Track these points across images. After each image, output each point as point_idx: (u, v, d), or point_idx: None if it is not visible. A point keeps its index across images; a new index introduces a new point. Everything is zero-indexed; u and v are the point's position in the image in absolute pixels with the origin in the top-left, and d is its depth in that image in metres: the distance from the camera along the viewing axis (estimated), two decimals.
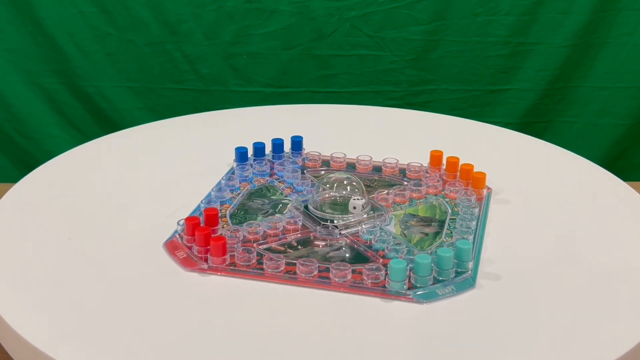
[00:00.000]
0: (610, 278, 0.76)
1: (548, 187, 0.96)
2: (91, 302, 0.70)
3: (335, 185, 0.87)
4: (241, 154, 0.98)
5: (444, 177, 0.94)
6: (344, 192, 0.86)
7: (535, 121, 1.72)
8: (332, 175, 0.88)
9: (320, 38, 1.65)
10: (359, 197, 0.84)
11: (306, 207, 0.86)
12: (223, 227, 0.83)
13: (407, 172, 0.96)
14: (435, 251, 0.74)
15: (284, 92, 1.70)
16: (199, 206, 0.87)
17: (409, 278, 0.72)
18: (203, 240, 0.77)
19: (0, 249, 0.79)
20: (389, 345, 0.65)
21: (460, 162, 0.94)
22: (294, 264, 0.75)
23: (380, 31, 1.64)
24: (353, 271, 0.74)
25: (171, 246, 0.80)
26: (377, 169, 0.98)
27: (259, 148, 1.00)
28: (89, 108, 1.70)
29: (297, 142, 1.02)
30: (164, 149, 1.07)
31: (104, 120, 1.71)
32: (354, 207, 0.83)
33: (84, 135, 1.69)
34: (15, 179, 0.98)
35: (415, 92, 1.71)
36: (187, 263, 0.77)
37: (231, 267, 0.76)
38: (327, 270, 0.74)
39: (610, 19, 1.63)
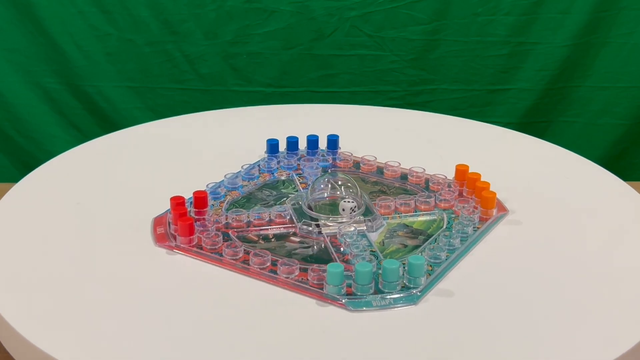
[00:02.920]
0: (610, 278, 0.76)
1: (548, 188, 0.96)
2: (92, 300, 0.70)
3: (330, 185, 0.87)
4: (272, 145, 1.00)
5: (464, 193, 0.91)
6: (338, 193, 0.86)
7: (535, 121, 1.72)
8: (331, 175, 0.88)
9: (320, 38, 1.65)
10: (350, 200, 0.84)
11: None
12: (211, 211, 0.85)
13: (430, 183, 0.94)
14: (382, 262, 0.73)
15: (284, 92, 1.70)
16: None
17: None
18: (176, 219, 0.79)
19: (0, 249, 0.79)
20: (293, 346, 0.65)
21: (470, 169, 0.92)
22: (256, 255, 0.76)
23: (380, 31, 1.64)
24: (305, 270, 0.73)
25: (158, 222, 0.84)
26: (405, 177, 0.96)
27: (292, 142, 1.01)
28: (89, 108, 1.70)
29: (332, 141, 1.02)
30: (166, 148, 1.07)
31: (104, 120, 1.71)
32: (343, 209, 0.83)
33: (84, 135, 1.68)
34: (15, 179, 0.98)
35: (415, 92, 1.71)
36: (160, 239, 0.80)
37: (195, 249, 0.78)
38: (284, 264, 0.74)
39: (610, 19, 1.63)
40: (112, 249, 0.79)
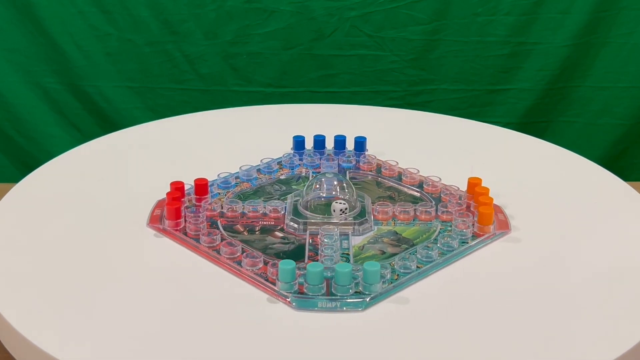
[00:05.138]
0: (610, 278, 0.76)
1: (547, 188, 0.96)
2: (92, 299, 0.70)
3: (327, 185, 0.87)
4: (298, 142, 1.01)
5: (472, 207, 0.87)
6: (334, 194, 0.86)
7: (535, 121, 1.72)
8: (329, 176, 0.88)
9: (320, 38, 1.65)
10: (342, 202, 0.84)
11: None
12: (213, 199, 0.87)
13: (441, 195, 0.91)
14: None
15: (284, 92, 1.70)
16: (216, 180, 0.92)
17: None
18: (168, 203, 0.83)
19: (0, 249, 0.79)
20: (224, 338, 0.65)
21: (477, 180, 0.89)
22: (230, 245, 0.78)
23: (380, 31, 1.64)
24: (267, 263, 0.74)
25: (159, 204, 0.86)
26: (423, 185, 0.94)
27: (319, 141, 1.02)
28: (89, 108, 1.70)
29: (359, 143, 1.02)
30: (167, 147, 1.07)
31: (104, 120, 1.71)
32: (334, 210, 0.83)
33: (84, 135, 1.68)
34: (15, 179, 0.98)
35: (415, 92, 1.71)
36: (154, 220, 0.84)
37: (180, 233, 0.80)
38: (249, 257, 0.75)
39: (610, 19, 1.63)
40: (111, 246, 0.80)
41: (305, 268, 0.71)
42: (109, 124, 1.69)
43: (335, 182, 0.87)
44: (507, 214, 0.87)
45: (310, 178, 0.95)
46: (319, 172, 0.96)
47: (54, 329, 0.66)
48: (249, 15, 1.63)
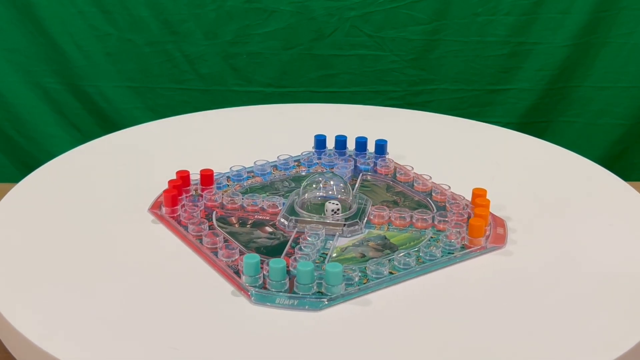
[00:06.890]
0: (610, 278, 0.76)
1: (548, 187, 0.96)
2: (94, 299, 0.70)
3: (323, 185, 0.87)
4: (319, 141, 1.02)
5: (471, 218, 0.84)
6: (330, 193, 0.86)
7: (535, 121, 1.72)
8: (328, 176, 0.88)
9: (320, 38, 1.65)
10: (335, 202, 0.84)
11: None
12: (220, 191, 0.89)
13: (446, 204, 0.89)
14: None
15: (284, 92, 1.70)
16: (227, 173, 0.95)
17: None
18: (167, 190, 0.84)
19: (0, 249, 0.79)
20: (178, 328, 0.66)
21: (480, 186, 0.87)
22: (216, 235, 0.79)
23: (380, 31, 1.64)
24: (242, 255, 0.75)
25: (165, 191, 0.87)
26: (435, 192, 0.92)
27: (340, 141, 1.02)
28: (89, 108, 1.71)
29: (380, 146, 1.01)
30: (167, 147, 1.07)
31: (104, 120, 1.71)
32: (326, 210, 0.84)
33: (84, 135, 1.69)
34: (15, 179, 0.98)
35: (415, 92, 1.71)
36: (155, 206, 0.86)
37: (174, 220, 0.83)
38: (227, 248, 0.76)
39: (610, 19, 1.63)
40: (111, 243, 0.80)
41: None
42: (109, 124, 1.69)
43: (333, 182, 0.87)
44: (508, 226, 0.84)
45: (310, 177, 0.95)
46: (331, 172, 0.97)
47: (54, 329, 0.66)
48: (249, 15, 1.63)
